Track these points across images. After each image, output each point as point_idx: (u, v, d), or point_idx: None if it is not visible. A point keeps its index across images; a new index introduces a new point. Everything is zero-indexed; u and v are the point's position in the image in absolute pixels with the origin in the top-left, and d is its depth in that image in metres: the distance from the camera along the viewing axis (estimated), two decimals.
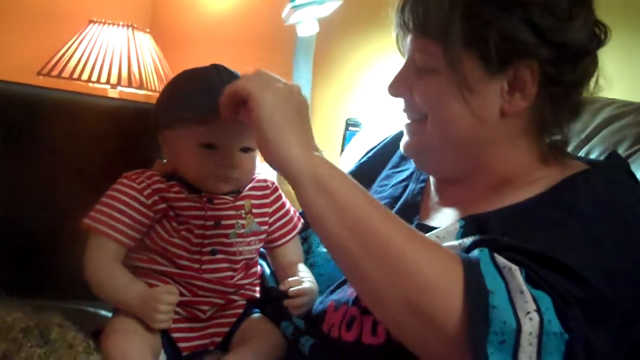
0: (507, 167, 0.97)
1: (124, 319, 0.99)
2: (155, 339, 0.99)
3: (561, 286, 0.73)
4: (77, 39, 2.68)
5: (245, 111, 0.88)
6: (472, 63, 0.91)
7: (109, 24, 2.71)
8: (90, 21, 2.72)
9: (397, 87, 1.01)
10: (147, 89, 2.67)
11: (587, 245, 0.80)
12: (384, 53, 2.16)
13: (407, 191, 1.12)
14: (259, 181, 1.12)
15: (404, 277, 0.74)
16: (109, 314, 1.09)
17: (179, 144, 1.04)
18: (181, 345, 1.02)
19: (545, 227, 0.83)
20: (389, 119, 1.66)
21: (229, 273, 1.06)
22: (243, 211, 1.07)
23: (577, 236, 0.80)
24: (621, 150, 1.18)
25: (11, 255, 1.37)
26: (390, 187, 1.15)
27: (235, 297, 1.07)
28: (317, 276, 1.11)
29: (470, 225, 0.91)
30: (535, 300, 0.71)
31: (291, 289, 1.02)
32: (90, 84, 2.64)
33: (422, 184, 1.11)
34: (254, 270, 1.12)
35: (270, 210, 1.13)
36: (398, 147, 1.09)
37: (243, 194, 1.08)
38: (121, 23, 2.72)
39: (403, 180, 1.15)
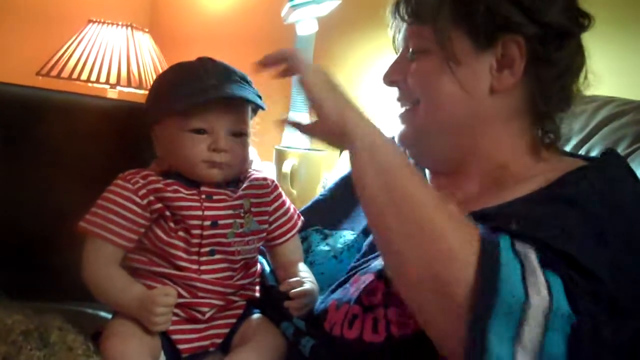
0: (500, 153, 0.98)
1: (123, 322, 0.99)
2: (155, 341, 0.99)
3: (568, 274, 0.74)
4: (76, 38, 2.68)
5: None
6: (461, 39, 0.95)
7: (108, 23, 2.71)
8: (89, 21, 2.72)
9: (392, 75, 1.05)
10: (146, 89, 2.67)
11: (591, 238, 0.80)
12: (383, 52, 2.15)
13: None
14: (258, 179, 1.12)
15: (428, 242, 0.78)
16: (109, 316, 1.08)
17: (169, 135, 1.05)
18: (181, 346, 1.01)
19: (548, 220, 0.83)
20: (388, 117, 1.65)
21: (228, 273, 1.05)
22: (242, 210, 1.06)
23: (581, 229, 0.81)
24: (621, 149, 1.18)
25: (10, 257, 1.37)
26: None
27: (235, 298, 1.07)
28: (317, 275, 1.11)
29: (475, 220, 0.91)
30: (547, 280, 0.73)
31: (292, 290, 1.02)
32: (90, 84, 2.65)
33: None
34: (253, 269, 1.11)
35: (270, 208, 1.12)
36: None
37: (242, 192, 1.08)
38: (120, 23, 2.72)
39: None
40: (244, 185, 1.09)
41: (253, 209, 1.08)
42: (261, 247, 1.15)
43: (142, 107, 1.12)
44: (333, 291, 1.05)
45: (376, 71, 2.25)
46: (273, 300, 1.10)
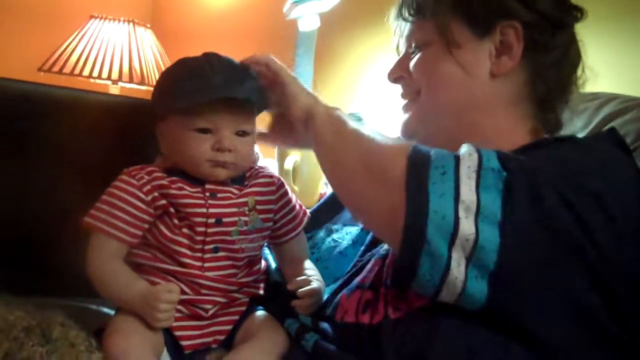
0: (500, 139, 0.98)
1: (126, 318, 0.99)
2: (158, 338, 0.98)
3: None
4: (78, 34, 2.68)
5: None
6: (461, 27, 1.00)
7: (110, 19, 2.70)
8: (91, 17, 2.72)
9: (396, 71, 1.10)
10: (148, 85, 2.67)
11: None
12: (385, 48, 2.14)
13: None
14: (264, 177, 1.12)
15: (361, 148, 0.92)
16: (112, 312, 1.08)
17: (173, 133, 1.04)
18: (183, 343, 1.01)
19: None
20: (390, 113, 1.66)
21: (232, 271, 1.05)
22: (246, 208, 1.06)
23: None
24: None
25: (13, 253, 1.37)
26: None
27: (238, 295, 1.07)
28: (322, 269, 1.12)
29: None
30: (477, 149, 0.81)
31: (300, 289, 1.02)
32: (92, 80, 2.64)
33: None
34: (257, 267, 1.11)
35: (275, 206, 1.12)
36: None
37: (247, 190, 1.08)
38: (122, 18, 2.72)
39: None
40: (250, 182, 1.09)
41: (258, 207, 1.08)
42: (267, 244, 1.15)
43: (144, 103, 1.12)
44: (340, 285, 1.05)
45: (378, 67, 2.25)
46: (278, 297, 1.10)
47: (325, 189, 1.93)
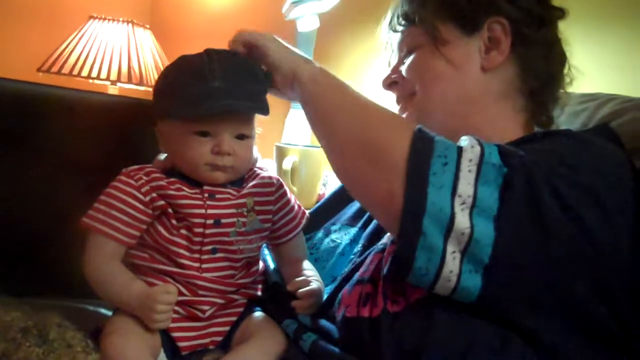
0: (494, 133, 0.99)
1: (123, 319, 0.99)
2: (155, 339, 0.98)
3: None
4: (77, 35, 2.67)
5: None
6: (449, 27, 1.03)
7: (109, 20, 2.70)
8: (90, 17, 2.71)
9: (389, 77, 1.13)
10: (147, 85, 2.67)
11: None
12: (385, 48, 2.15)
13: None
14: (263, 178, 1.11)
15: (356, 118, 0.91)
16: (109, 313, 1.08)
17: (173, 135, 1.04)
18: (181, 344, 1.01)
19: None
20: None
21: (230, 272, 1.05)
22: (245, 209, 1.06)
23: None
24: None
25: (10, 253, 1.37)
26: None
27: (236, 296, 1.07)
28: (321, 269, 1.13)
29: None
30: (479, 141, 0.81)
31: (299, 290, 1.02)
32: (90, 81, 2.63)
33: None
34: (255, 268, 1.11)
35: (274, 207, 1.12)
36: None
37: (246, 191, 1.08)
38: (121, 19, 2.71)
39: None
40: (248, 184, 1.09)
41: (256, 208, 1.08)
42: (266, 244, 1.15)
43: (144, 103, 1.11)
44: (340, 283, 1.05)
45: (378, 67, 2.25)
46: (277, 297, 1.10)
47: (323, 189, 1.92)
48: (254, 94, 1.03)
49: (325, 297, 1.06)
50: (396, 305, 0.88)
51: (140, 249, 1.04)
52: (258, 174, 1.12)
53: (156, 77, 2.63)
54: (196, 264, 1.02)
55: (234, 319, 1.06)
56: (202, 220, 1.02)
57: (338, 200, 1.31)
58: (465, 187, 0.77)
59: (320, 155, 1.88)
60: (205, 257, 1.03)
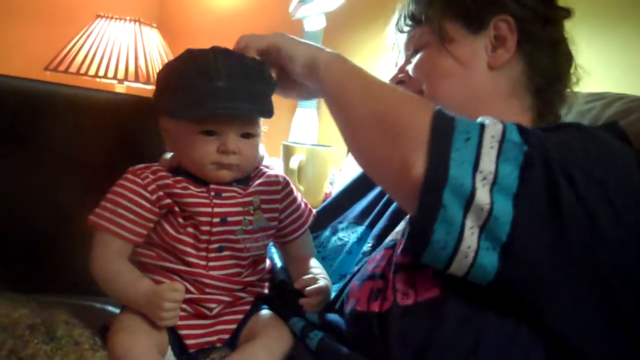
0: None
1: (130, 316, 0.99)
2: (162, 337, 0.98)
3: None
4: (84, 33, 2.68)
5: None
6: (456, 26, 1.05)
7: (116, 18, 2.70)
8: (98, 16, 2.72)
9: (396, 76, 1.14)
10: (154, 84, 2.66)
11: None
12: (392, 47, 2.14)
13: None
14: (269, 176, 1.11)
15: (375, 97, 0.92)
16: (117, 310, 1.08)
17: (178, 133, 1.04)
18: (188, 342, 1.01)
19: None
20: None
21: (236, 270, 1.05)
22: (251, 207, 1.06)
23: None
24: None
25: (17, 251, 1.37)
26: None
27: (243, 294, 1.07)
28: (328, 268, 1.13)
29: None
30: (500, 120, 0.82)
31: (307, 288, 1.02)
32: (98, 79, 2.64)
33: None
34: (261, 266, 1.11)
35: (280, 206, 1.12)
36: None
37: (252, 189, 1.08)
38: (128, 18, 2.72)
39: None
40: (255, 182, 1.09)
41: (263, 206, 1.08)
42: (273, 242, 1.15)
43: (149, 101, 1.11)
44: (349, 280, 1.05)
45: (384, 66, 2.24)
46: (284, 295, 1.10)
47: (330, 188, 1.92)
48: (259, 95, 1.03)
49: (333, 295, 1.06)
50: (406, 299, 0.88)
51: (147, 247, 1.05)
52: (264, 173, 1.12)
53: None
54: (203, 262, 1.02)
55: (241, 316, 1.06)
56: (209, 219, 1.02)
57: (345, 199, 1.31)
58: (487, 163, 0.77)
59: (327, 155, 1.88)
60: (212, 255, 1.03)
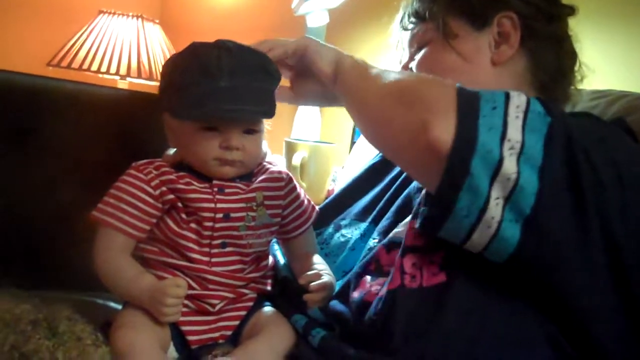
0: None
1: (133, 312, 0.99)
2: (165, 332, 0.98)
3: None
4: (86, 29, 2.68)
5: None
6: (459, 22, 1.07)
7: (119, 14, 2.71)
8: (100, 12, 2.72)
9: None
10: (156, 80, 2.67)
11: None
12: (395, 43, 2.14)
13: None
14: (272, 172, 1.11)
15: (397, 84, 0.91)
16: (119, 306, 1.08)
17: (181, 129, 1.04)
18: (190, 338, 1.01)
19: None
20: None
21: (239, 266, 1.05)
22: (254, 203, 1.06)
23: None
24: None
25: (19, 246, 1.37)
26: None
27: (246, 291, 1.07)
28: (331, 264, 1.12)
29: None
30: (524, 92, 0.82)
31: (312, 284, 1.01)
32: (100, 75, 2.65)
33: None
34: (264, 262, 1.11)
35: (284, 202, 1.12)
36: None
37: (255, 185, 1.07)
38: (131, 14, 2.72)
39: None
40: (258, 178, 1.09)
41: (266, 202, 1.07)
42: (276, 239, 1.15)
43: (152, 97, 1.11)
44: (359, 274, 1.05)
45: (388, 63, 2.24)
46: (288, 292, 1.10)
47: (333, 185, 1.92)
48: (262, 93, 1.02)
49: (337, 290, 1.06)
50: (413, 282, 0.87)
51: (150, 243, 1.04)
52: (267, 169, 1.12)
53: None
54: (206, 258, 1.02)
55: (243, 313, 1.06)
56: (212, 215, 1.02)
57: (347, 196, 1.31)
58: (514, 132, 0.76)
59: (329, 151, 1.88)
60: (214, 251, 1.03)
